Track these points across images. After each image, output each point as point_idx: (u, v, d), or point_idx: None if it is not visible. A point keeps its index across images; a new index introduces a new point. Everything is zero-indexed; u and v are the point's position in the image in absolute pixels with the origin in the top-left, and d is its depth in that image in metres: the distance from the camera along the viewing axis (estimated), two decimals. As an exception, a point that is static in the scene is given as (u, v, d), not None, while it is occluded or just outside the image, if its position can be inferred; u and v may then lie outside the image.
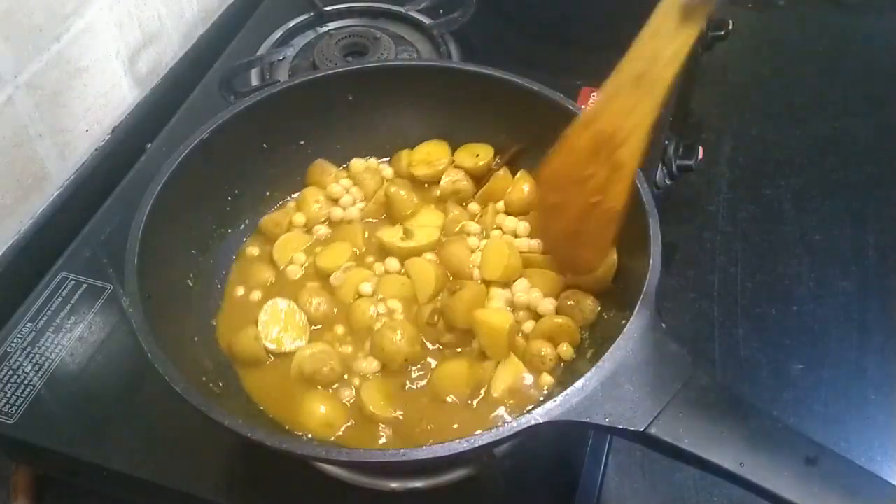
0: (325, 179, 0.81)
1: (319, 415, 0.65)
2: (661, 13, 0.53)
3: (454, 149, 0.82)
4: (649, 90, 0.55)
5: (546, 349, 0.67)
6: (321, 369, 0.67)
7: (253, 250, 0.78)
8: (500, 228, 0.76)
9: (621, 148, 0.57)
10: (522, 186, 0.77)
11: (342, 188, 0.80)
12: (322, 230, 0.78)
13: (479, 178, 0.80)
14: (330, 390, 0.67)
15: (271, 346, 0.69)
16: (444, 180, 0.80)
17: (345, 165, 0.83)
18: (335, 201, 0.80)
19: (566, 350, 0.68)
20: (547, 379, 0.66)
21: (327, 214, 0.79)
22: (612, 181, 0.59)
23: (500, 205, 0.78)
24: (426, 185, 0.81)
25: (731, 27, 1.04)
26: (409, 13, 1.07)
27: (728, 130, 0.96)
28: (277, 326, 0.70)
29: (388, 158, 0.84)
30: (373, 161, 0.83)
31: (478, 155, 0.80)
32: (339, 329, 0.71)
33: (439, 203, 0.79)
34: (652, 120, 0.56)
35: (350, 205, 0.79)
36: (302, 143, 0.81)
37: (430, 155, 0.81)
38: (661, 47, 0.54)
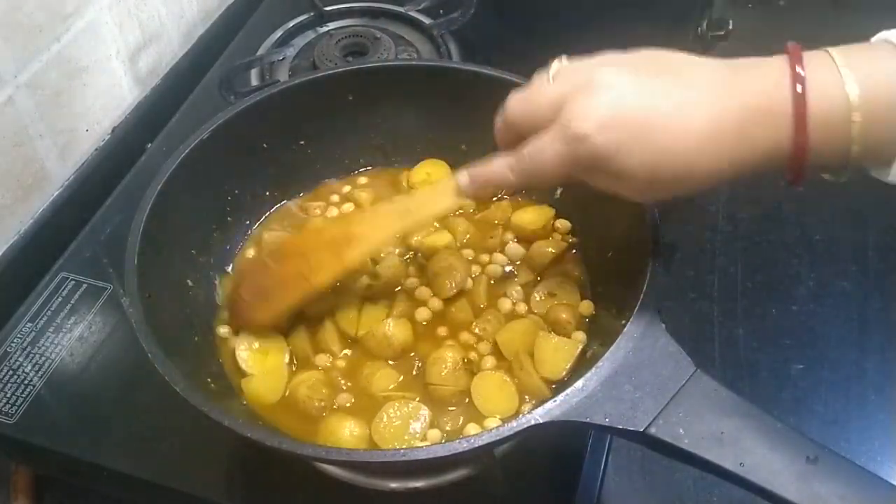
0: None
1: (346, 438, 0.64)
2: (447, 181, 0.64)
3: (453, 165, 0.81)
4: (401, 221, 0.67)
5: (565, 312, 0.70)
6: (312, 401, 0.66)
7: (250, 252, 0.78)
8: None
9: (351, 247, 0.67)
10: (529, 215, 0.77)
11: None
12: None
13: (482, 200, 0.80)
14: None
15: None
16: None
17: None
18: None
19: (585, 306, 0.71)
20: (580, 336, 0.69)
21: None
22: (327, 265, 0.67)
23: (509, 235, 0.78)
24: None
25: (730, 27, 1.04)
26: (409, 13, 1.07)
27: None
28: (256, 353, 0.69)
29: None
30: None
31: None
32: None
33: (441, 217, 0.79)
34: (384, 239, 0.69)
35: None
36: (302, 143, 0.81)
37: (430, 175, 0.82)
38: (431, 200, 0.65)
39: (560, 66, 0.58)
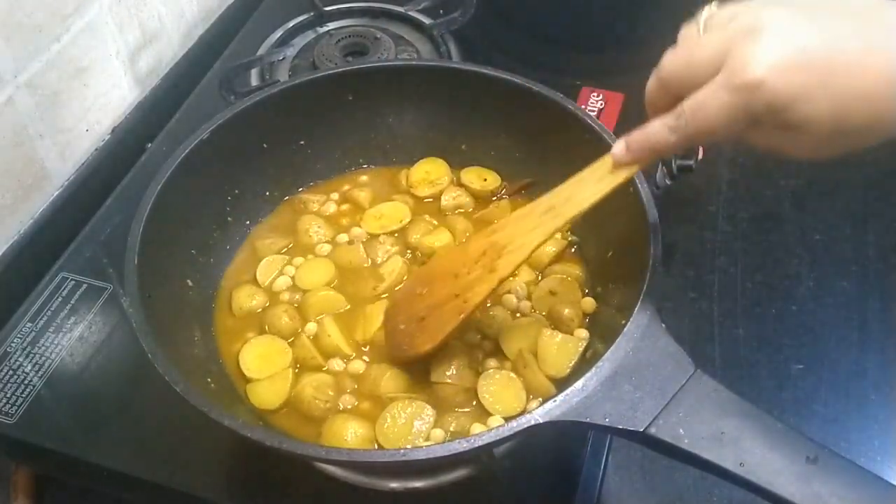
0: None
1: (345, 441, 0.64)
2: (594, 165, 0.59)
3: (453, 164, 0.83)
4: (551, 220, 0.62)
5: (567, 309, 0.70)
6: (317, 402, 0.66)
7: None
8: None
9: (503, 257, 0.64)
10: None
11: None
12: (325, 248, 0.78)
13: (481, 199, 0.81)
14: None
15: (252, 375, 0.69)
16: (446, 198, 0.81)
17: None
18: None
19: (587, 303, 0.71)
20: (582, 333, 0.69)
21: (330, 238, 0.78)
22: (480, 281, 0.64)
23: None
24: (425, 199, 0.82)
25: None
26: (409, 13, 1.07)
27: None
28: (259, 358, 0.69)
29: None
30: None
31: (485, 179, 0.82)
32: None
33: (439, 215, 0.80)
34: (540, 244, 0.63)
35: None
36: (302, 143, 0.81)
37: (429, 174, 0.82)
38: (578, 191, 0.60)
39: (712, 13, 0.52)
